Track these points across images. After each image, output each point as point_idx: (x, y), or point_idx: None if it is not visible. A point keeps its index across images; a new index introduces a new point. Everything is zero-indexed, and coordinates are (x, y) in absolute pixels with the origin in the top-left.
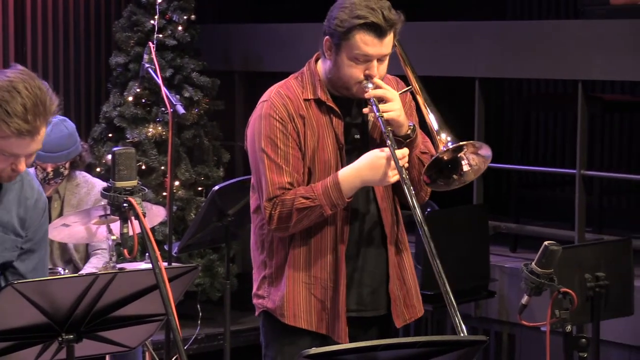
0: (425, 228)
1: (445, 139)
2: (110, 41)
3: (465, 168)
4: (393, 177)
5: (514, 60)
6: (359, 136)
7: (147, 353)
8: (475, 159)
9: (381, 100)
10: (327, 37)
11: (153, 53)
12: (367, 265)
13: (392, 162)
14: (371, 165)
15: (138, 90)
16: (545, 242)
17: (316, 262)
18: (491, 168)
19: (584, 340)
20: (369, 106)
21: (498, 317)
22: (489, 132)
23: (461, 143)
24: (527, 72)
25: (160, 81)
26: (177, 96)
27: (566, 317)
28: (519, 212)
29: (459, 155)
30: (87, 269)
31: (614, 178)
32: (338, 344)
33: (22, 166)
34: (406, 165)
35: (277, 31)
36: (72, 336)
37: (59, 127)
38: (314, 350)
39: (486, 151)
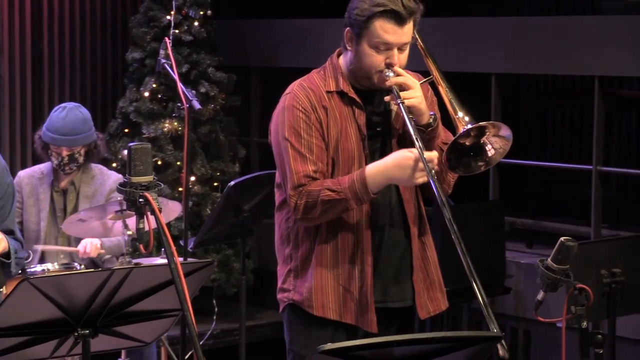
0: (455, 226)
1: (465, 120)
2: (126, 37)
3: (491, 153)
4: (420, 178)
5: (531, 56)
6: (381, 128)
7: (162, 348)
8: (498, 142)
9: (402, 88)
10: (347, 28)
11: (169, 48)
12: (392, 257)
13: (420, 164)
14: (398, 164)
15: (154, 85)
16: (562, 238)
17: (342, 252)
18: (508, 164)
19: (600, 336)
20: (391, 94)
21: (514, 313)
22: None
23: (481, 123)
24: (544, 67)
25: (176, 77)
26: (193, 92)
27: (582, 313)
28: (535, 208)
29: (481, 140)
30: (108, 240)
31: (631, 174)
32: (368, 333)
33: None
34: (436, 168)
35: (293, 27)
36: (87, 331)
37: (74, 111)
38: (330, 346)
39: (506, 131)
